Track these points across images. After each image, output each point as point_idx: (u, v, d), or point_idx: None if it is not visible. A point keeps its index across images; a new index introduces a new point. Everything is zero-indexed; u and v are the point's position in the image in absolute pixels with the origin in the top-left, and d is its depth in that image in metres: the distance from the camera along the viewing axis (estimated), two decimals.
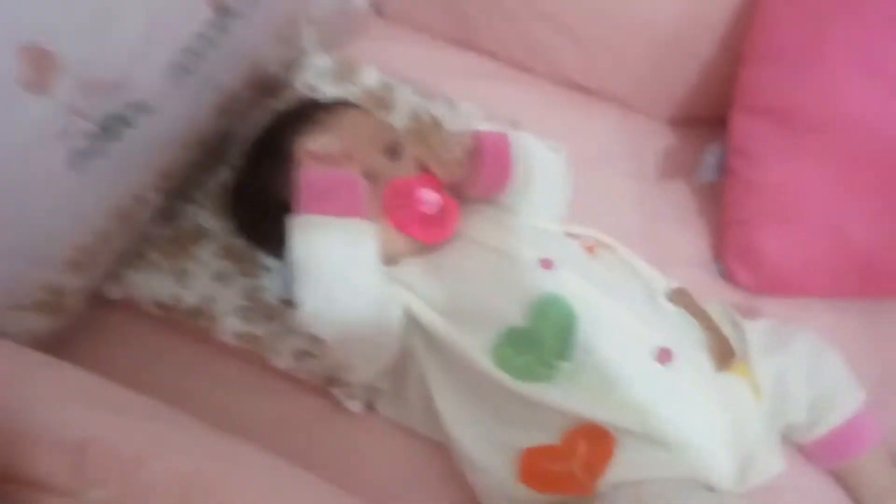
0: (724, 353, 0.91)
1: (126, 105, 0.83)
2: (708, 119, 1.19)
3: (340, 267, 0.86)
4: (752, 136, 1.04)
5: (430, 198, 0.93)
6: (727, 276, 1.09)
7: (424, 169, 0.95)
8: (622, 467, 0.84)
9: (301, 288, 0.88)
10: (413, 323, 0.91)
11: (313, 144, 0.90)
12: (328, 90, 1.18)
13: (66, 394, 0.70)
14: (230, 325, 1.02)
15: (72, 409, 0.66)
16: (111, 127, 0.83)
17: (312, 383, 1.01)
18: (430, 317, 0.89)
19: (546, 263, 0.92)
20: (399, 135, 1.02)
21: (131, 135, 0.85)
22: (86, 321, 1.03)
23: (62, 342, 1.00)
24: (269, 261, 1.06)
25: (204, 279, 1.05)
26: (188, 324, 1.03)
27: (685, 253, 1.12)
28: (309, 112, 1.00)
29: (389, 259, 0.93)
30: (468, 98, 1.19)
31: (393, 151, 0.98)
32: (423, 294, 0.91)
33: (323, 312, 0.87)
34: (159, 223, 1.07)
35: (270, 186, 0.96)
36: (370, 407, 1.00)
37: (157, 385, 0.99)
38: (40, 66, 0.73)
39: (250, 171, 1.03)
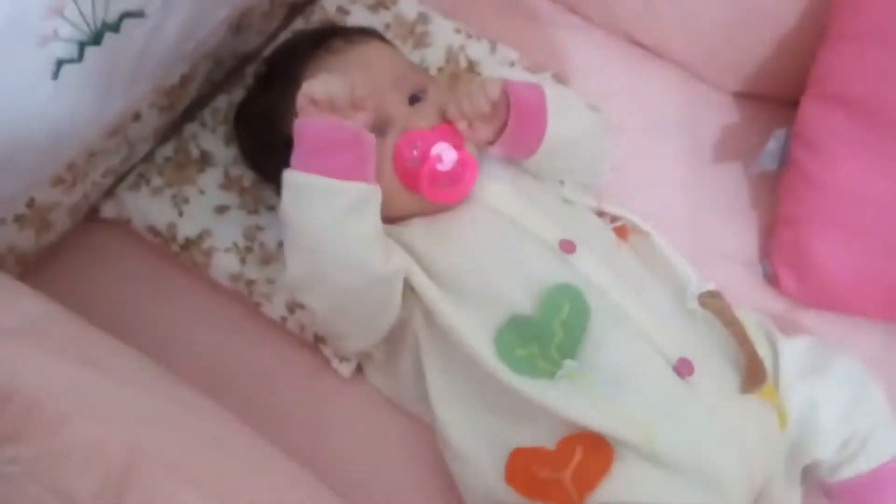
0: (755, 375, 0.81)
1: (114, 11, 0.75)
2: (779, 98, 1.07)
3: (334, 239, 0.77)
4: (821, 125, 0.92)
5: (445, 154, 0.82)
6: (771, 279, 0.98)
7: (446, 119, 0.85)
8: (617, 485, 0.76)
9: (288, 251, 0.80)
10: (412, 293, 0.83)
11: (318, 87, 0.77)
12: (360, 15, 1.08)
13: (21, 329, 0.65)
14: (224, 265, 0.96)
15: (13, 349, 0.61)
16: (97, 34, 0.75)
17: (303, 337, 0.94)
18: (429, 291, 0.81)
19: (567, 245, 0.83)
20: (425, 78, 0.92)
21: (118, 43, 0.78)
22: (75, 237, 0.98)
23: (48, 256, 0.96)
24: (275, 198, 0.99)
25: (204, 210, 0.99)
26: (181, 256, 0.97)
27: (729, 247, 1.01)
28: (327, 39, 0.90)
29: (394, 216, 0.85)
30: (513, 41, 1.09)
31: (415, 96, 0.87)
32: (426, 262, 0.83)
33: (311, 283, 0.80)
34: (163, 144, 1.01)
35: (274, 115, 0.88)
36: (360, 370, 0.93)
37: (139, 315, 0.95)
38: None
39: (255, 95, 0.95)
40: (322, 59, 0.88)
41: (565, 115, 0.86)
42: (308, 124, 0.77)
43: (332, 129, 0.77)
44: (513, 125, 0.83)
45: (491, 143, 0.85)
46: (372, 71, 0.87)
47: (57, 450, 0.51)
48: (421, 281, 0.81)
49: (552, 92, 0.86)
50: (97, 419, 0.53)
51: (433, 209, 0.85)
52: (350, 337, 0.87)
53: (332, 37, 0.90)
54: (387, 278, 0.80)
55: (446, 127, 0.84)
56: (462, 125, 0.83)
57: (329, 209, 0.76)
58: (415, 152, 0.82)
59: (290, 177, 0.77)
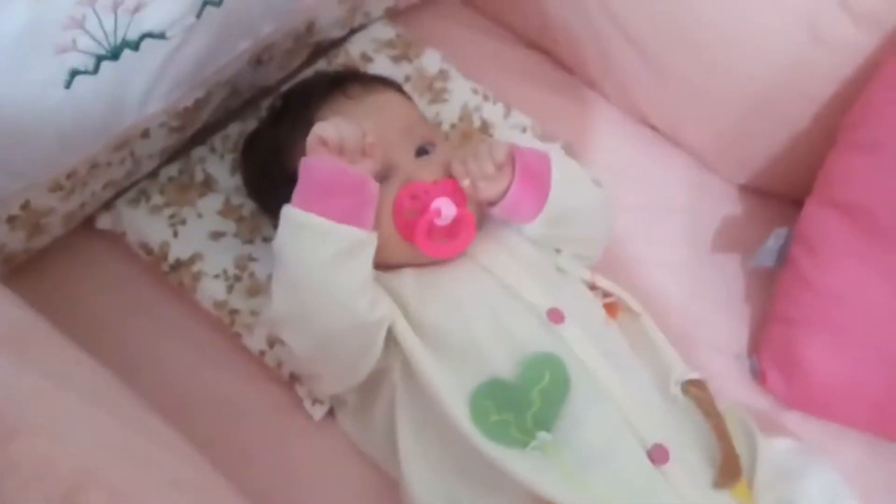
0: (730, 471, 0.79)
1: (136, 29, 0.76)
2: (785, 196, 1.07)
3: (322, 280, 0.76)
4: (823, 229, 0.92)
5: (445, 209, 0.82)
6: (758, 376, 0.97)
7: (450, 174, 0.85)
8: None
9: (276, 286, 0.79)
10: (394, 343, 0.82)
11: (330, 130, 0.78)
12: (383, 64, 1.09)
13: None
14: (211, 290, 0.95)
15: None
16: (115, 49, 0.75)
17: (279, 374, 0.93)
18: (411, 343, 0.79)
19: (555, 315, 0.82)
20: (435, 133, 0.93)
21: (136, 61, 0.78)
22: (67, 243, 0.97)
23: (37, 259, 0.95)
24: (271, 231, 0.99)
25: (199, 234, 0.98)
26: (170, 276, 0.96)
27: (719, 338, 1.00)
28: (345, 83, 0.91)
29: (387, 264, 0.84)
30: (529, 106, 1.10)
31: (423, 149, 0.88)
32: (412, 314, 0.82)
33: (294, 320, 0.79)
34: (169, 163, 1.01)
35: (281, 150, 0.88)
36: (333, 413, 0.92)
37: (118, 330, 0.94)
38: None
39: (266, 128, 0.96)
40: (337, 101, 0.88)
41: (568, 186, 0.86)
42: (315, 164, 0.77)
43: (338, 173, 0.77)
44: (515, 190, 0.83)
45: (492, 204, 0.85)
46: (383, 118, 0.87)
47: (2, 464, 0.50)
48: (404, 332, 0.80)
49: (558, 161, 0.86)
50: (50, 436, 0.52)
51: (426, 261, 0.85)
52: (326, 379, 0.86)
53: (350, 81, 0.91)
54: (371, 325, 0.79)
55: (449, 182, 0.84)
56: (465, 183, 0.83)
57: (322, 251, 0.76)
58: (414, 204, 0.82)
59: (288, 213, 0.77)
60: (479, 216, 0.87)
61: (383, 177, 0.84)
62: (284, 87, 1.04)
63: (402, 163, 0.85)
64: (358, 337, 0.79)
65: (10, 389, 0.56)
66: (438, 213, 0.82)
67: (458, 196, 0.84)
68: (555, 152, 0.89)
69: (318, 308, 0.77)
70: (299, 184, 0.77)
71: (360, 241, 0.77)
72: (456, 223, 0.83)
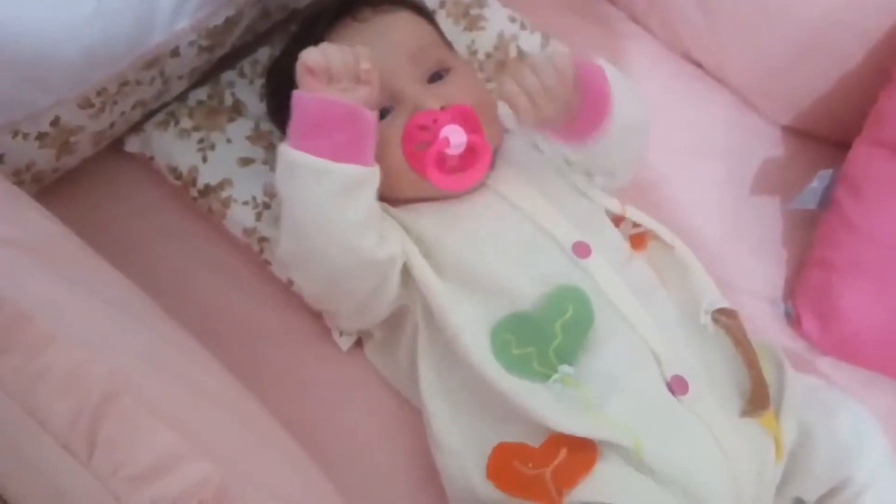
0: (758, 400, 0.78)
1: None
2: (828, 138, 1.04)
3: (324, 219, 0.74)
4: (869, 171, 0.89)
5: (454, 137, 0.76)
6: (793, 321, 0.95)
7: (473, 100, 0.80)
8: (598, 485, 0.72)
9: (282, 226, 0.77)
10: (413, 280, 0.80)
11: (315, 57, 0.72)
12: None
13: (24, 242, 0.63)
14: (240, 217, 0.94)
15: (12, 258, 0.59)
16: None
17: (307, 302, 0.92)
18: (428, 281, 0.78)
19: (581, 248, 0.80)
20: (451, 55, 0.89)
21: None
22: (96, 165, 0.96)
23: (66, 181, 0.94)
24: None
25: (228, 160, 0.97)
26: (198, 202, 0.95)
27: (755, 281, 0.98)
28: (353, 5, 0.87)
29: (402, 199, 0.82)
30: (568, 39, 1.06)
31: (437, 74, 0.84)
32: (432, 250, 0.80)
33: (301, 260, 0.77)
34: (198, 87, 0.99)
35: (292, 76, 0.85)
36: (360, 344, 0.91)
37: (146, 252, 0.94)
38: None
39: (281, 55, 0.93)
40: (345, 25, 0.85)
41: (625, 101, 0.80)
42: (302, 98, 0.73)
43: (327, 105, 0.73)
44: (581, 106, 0.77)
45: (552, 127, 0.79)
46: (391, 43, 0.83)
47: (37, 369, 0.50)
48: (421, 269, 0.78)
49: (613, 73, 0.80)
50: (83, 343, 0.52)
51: (442, 195, 0.82)
52: (342, 317, 0.85)
53: (360, 3, 0.87)
54: (379, 263, 0.77)
55: (460, 108, 0.78)
56: (522, 102, 0.74)
57: (320, 190, 0.73)
58: (423, 134, 0.77)
59: (282, 152, 0.74)
60: (496, 142, 0.84)
61: (389, 106, 0.80)
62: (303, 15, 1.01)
63: (408, 90, 0.81)
64: (366, 275, 0.78)
65: (45, 298, 0.56)
66: (447, 142, 0.76)
67: (471, 122, 0.78)
68: (607, 64, 0.81)
69: (321, 247, 0.75)
70: (292, 119, 0.74)
71: (359, 179, 0.74)
72: (469, 152, 0.78)
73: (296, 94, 0.73)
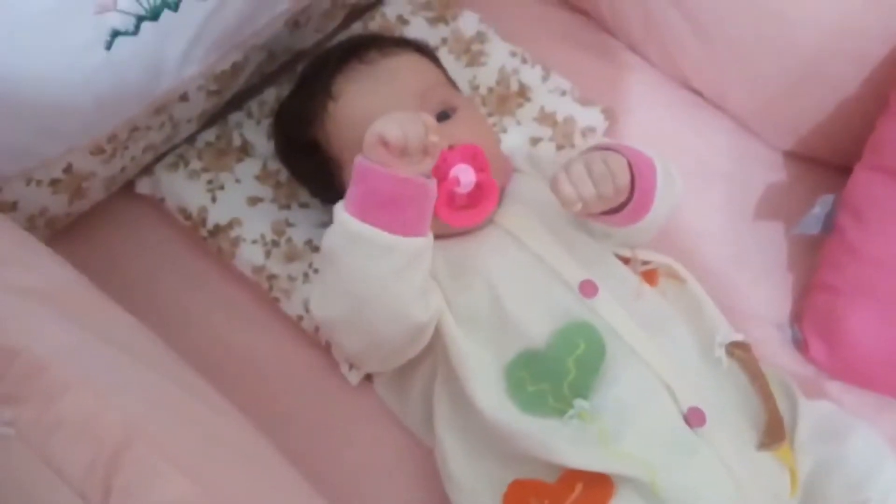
0: (774, 432, 0.78)
1: None
2: (831, 163, 1.04)
3: (383, 291, 0.74)
4: (871, 196, 0.90)
5: (464, 176, 0.79)
6: (800, 345, 0.95)
7: (473, 140, 0.82)
8: None
9: (327, 292, 0.78)
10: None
11: (393, 130, 0.70)
12: (419, 26, 1.08)
13: (39, 290, 0.64)
14: (249, 256, 0.95)
15: (27, 308, 0.60)
16: (155, 9, 0.75)
17: (316, 338, 0.93)
18: (445, 325, 0.79)
19: (588, 288, 0.80)
20: (456, 95, 0.91)
21: (175, 22, 0.78)
22: (108, 208, 0.98)
23: (78, 224, 0.96)
24: (307, 197, 0.99)
25: (237, 199, 0.99)
26: (208, 242, 0.96)
27: (761, 307, 0.98)
28: (363, 48, 0.89)
29: None
30: (568, 70, 1.07)
31: (444, 113, 0.85)
32: (443, 289, 0.81)
33: (347, 326, 0.78)
34: (207, 128, 1.01)
35: (302, 120, 0.88)
36: (369, 378, 0.92)
37: (158, 294, 0.95)
38: None
39: (290, 98, 0.95)
40: (352, 68, 0.87)
41: (666, 195, 0.81)
42: (375, 173, 0.72)
43: (400, 184, 0.72)
44: (630, 209, 0.77)
45: (593, 217, 0.79)
46: (398, 84, 0.85)
47: (53, 418, 0.51)
48: (443, 314, 0.80)
49: (661, 166, 0.80)
50: (98, 392, 0.53)
51: (451, 232, 0.83)
52: (371, 364, 0.86)
53: (367, 46, 0.89)
54: (426, 324, 0.79)
55: (469, 147, 0.81)
56: (577, 208, 0.73)
57: (387, 265, 0.74)
58: (433, 174, 0.78)
59: (347, 223, 0.74)
60: (503, 179, 0.85)
61: None
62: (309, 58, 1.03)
63: None
64: (411, 335, 0.79)
65: (59, 345, 0.57)
66: (457, 181, 0.79)
67: (479, 161, 0.80)
68: (655, 156, 0.81)
69: (374, 317, 0.76)
70: (355, 186, 0.74)
71: (422, 249, 0.75)
72: (478, 189, 0.80)
73: (366, 165, 0.73)
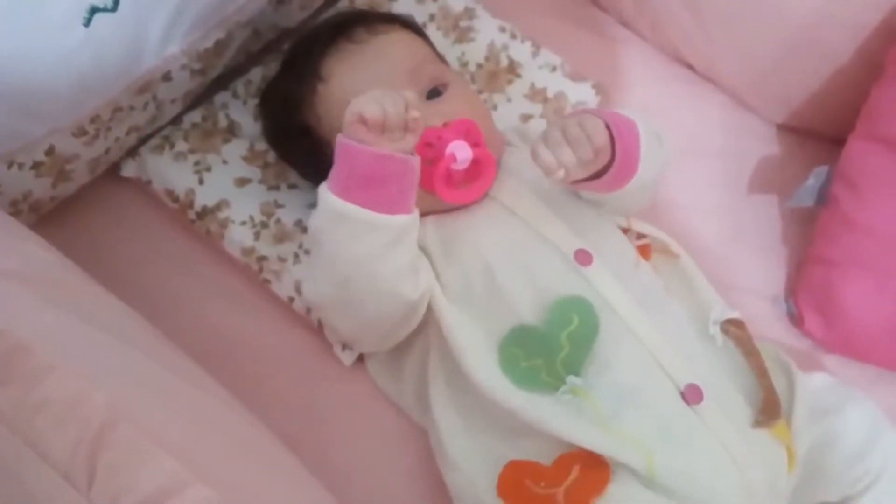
0: (770, 409, 0.77)
1: None
2: (824, 134, 1.03)
3: (371, 270, 0.74)
4: (866, 166, 0.89)
5: (460, 152, 0.78)
6: (795, 319, 0.95)
7: (466, 115, 0.81)
8: None
9: (317, 273, 0.78)
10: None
11: (371, 107, 0.70)
12: (406, 2, 1.06)
13: (21, 273, 0.63)
14: (238, 237, 0.94)
15: (9, 291, 0.59)
16: None
17: (308, 320, 0.92)
18: (438, 300, 0.78)
19: (583, 256, 0.80)
20: (446, 71, 0.89)
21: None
22: (93, 192, 0.97)
23: (63, 208, 0.95)
24: (296, 177, 0.97)
25: (225, 181, 0.97)
26: (196, 224, 0.95)
27: (755, 281, 0.98)
28: (350, 27, 0.87)
29: None
30: (558, 46, 1.06)
31: (435, 90, 0.84)
32: (436, 264, 0.80)
33: (338, 306, 0.78)
34: (192, 109, 0.99)
35: (290, 102, 0.87)
36: (362, 359, 0.91)
37: (145, 277, 0.94)
38: None
39: (276, 79, 0.94)
40: (341, 48, 0.85)
41: (650, 157, 0.78)
42: (356, 151, 0.72)
43: (380, 160, 0.71)
44: (613, 172, 0.75)
45: (576, 183, 0.77)
46: (388, 63, 0.84)
47: (37, 400, 0.50)
48: (434, 290, 0.79)
49: (644, 130, 0.78)
50: (82, 373, 0.52)
51: (447, 207, 0.82)
52: (365, 344, 0.86)
53: (355, 25, 0.87)
54: (417, 302, 0.78)
55: (462, 122, 0.80)
56: (559, 175, 0.72)
57: (371, 242, 0.73)
58: (429, 152, 0.78)
59: (330, 202, 0.73)
60: (498, 153, 0.84)
61: None
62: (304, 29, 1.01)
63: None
64: (403, 313, 0.78)
65: (42, 328, 0.56)
66: (454, 157, 0.78)
67: (474, 135, 0.80)
68: (638, 118, 0.79)
69: (364, 296, 0.76)
70: (337, 167, 0.73)
71: (408, 227, 0.74)
72: (475, 164, 0.79)
73: (346, 143, 0.72)
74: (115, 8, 0.74)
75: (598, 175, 0.76)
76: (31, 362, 0.52)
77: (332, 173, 0.74)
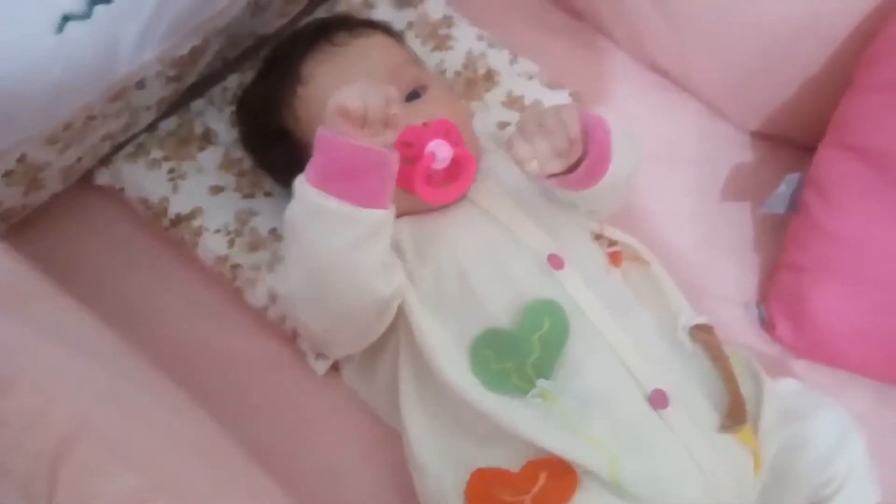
0: (736, 414, 0.78)
1: None
2: (797, 142, 1.05)
3: (345, 264, 0.73)
4: (836, 174, 0.90)
5: (440, 151, 0.78)
6: (766, 325, 0.96)
7: (444, 116, 0.81)
8: None
9: (290, 267, 0.77)
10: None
11: (353, 99, 0.70)
12: (385, 10, 1.07)
13: None
14: (212, 245, 0.94)
15: None
16: None
17: (281, 329, 0.92)
18: (409, 301, 0.78)
19: (555, 260, 0.80)
20: (425, 73, 0.90)
21: (130, 5, 0.76)
22: (65, 200, 0.96)
23: (36, 216, 0.94)
24: (271, 185, 0.97)
25: (199, 188, 0.97)
26: (170, 232, 0.95)
27: (728, 288, 0.98)
28: (331, 31, 0.88)
29: None
30: (536, 53, 1.07)
31: (415, 92, 0.85)
32: (409, 263, 0.81)
33: (310, 301, 0.77)
34: (168, 117, 0.99)
35: (270, 105, 0.87)
36: (336, 368, 0.91)
37: (118, 285, 0.94)
38: None
39: (255, 83, 0.94)
40: (322, 50, 0.86)
41: (623, 155, 0.79)
42: (336, 142, 0.72)
43: (359, 152, 0.71)
44: (586, 166, 0.76)
45: (550, 178, 0.78)
46: (369, 64, 0.84)
47: None
48: (404, 289, 0.79)
49: (616, 129, 0.78)
50: (43, 388, 0.51)
51: (427, 208, 0.83)
52: (338, 346, 0.85)
53: (336, 29, 0.88)
54: (390, 298, 0.78)
55: (442, 122, 0.80)
56: (533, 166, 0.73)
57: (346, 236, 0.73)
58: (409, 152, 0.78)
59: (305, 192, 0.73)
60: (478, 154, 0.85)
61: None
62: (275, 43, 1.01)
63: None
64: (376, 309, 0.78)
65: (3, 342, 0.55)
66: (433, 157, 0.78)
67: (453, 135, 0.80)
68: (610, 118, 0.80)
69: (337, 290, 0.75)
70: (316, 158, 0.73)
71: (383, 222, 0.74)
72: (454, 164, 0.80)
73: (326, 135, 0.72)
74: (88, 15, 0.73)
75: (571, 170, 0.76)
76: None
77: (310, 164, 0.74)
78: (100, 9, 0.74)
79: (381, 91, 0.72)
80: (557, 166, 0.75)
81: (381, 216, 0.74)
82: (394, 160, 0.74)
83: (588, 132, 0.75)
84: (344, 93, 0.72)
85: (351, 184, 0.72)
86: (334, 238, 0.73)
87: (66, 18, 0.73)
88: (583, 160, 0.76)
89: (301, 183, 0.74)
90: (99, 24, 0.75)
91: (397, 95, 0.74)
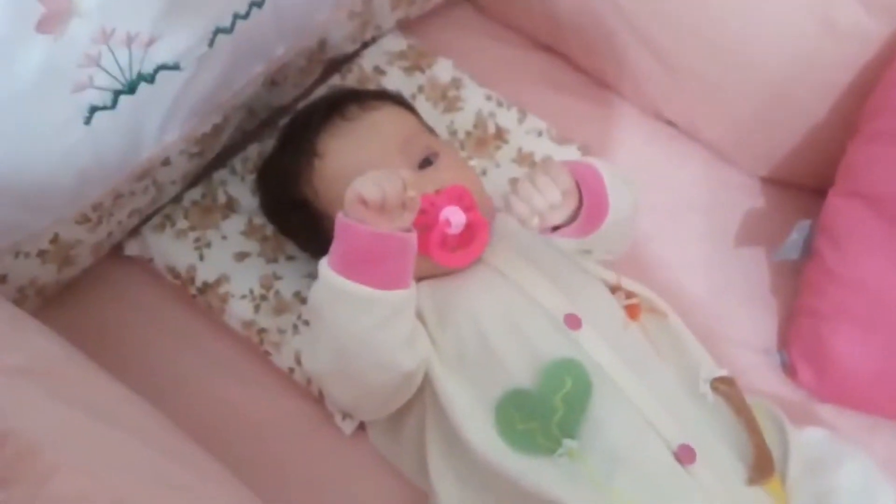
0: (763, 466, 0.79)
1: (151, 62, 0.77)
2: (807, 187, 1.06)
3: (369, 343, 0.76)
4: (846, 220, 0.91)
5: (454, 217, 0.81)
6: (788, 370, 0.96)
7: (456, 182, 0.84)
8: None
9: (316, 346, 0.80)
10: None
11: (370, 189, 0.73)
12: (396, 76, 1.10)
13: (26, 368, 0.65)
14: (238, 311, 0.96)
15: (15, 388, 0.61)
16: (131, 84, 0.77)
17: (308, 390, 0.94)
18: (433, 366, 0.80)
19: (572, 320, 0.82)
20: (436, 141, 0.93)
21: (152, 93, 0.79)
22: (97, 271, 0.99)
23: (69, 289, 0.97)
24: (294, 249, 1.00)
25: (224, 256, 1.00)
26: (197, 299, 0.98)
27: (746, 333, 1.00)
28: (342, 104, 0.91)
29: None
30: (544, 110, 1.09)
31: (427, 160, 0.87)
32: (430, 328, 0.83)
33: (337, 378, 0.80)
34: (192, 188, 1.02)
35: (287, 179, 0.90)
36: (363, 428, 0.93)
37: (151, 354, 0.96)
38: (57, 7, 0.68)
39: (273, 157, 0.97)
40: (334, 125, 0.89)
41: (618, 196, 0.82)
42: (356, 231, 0.74)
43: (380, 239, 0.74)
44: (585, 213, 0.79)
45: (555, 228, 0.81)
46: (381, 137, 0.87)
47: (45, 501, 0.51)
48: (430, 356, 0.81)
49: (605, 171, 0.82)
50: (88, 472, 0.53)
51: (442, 271, 0.85)
52: (365, 412, 0.87)
53: (347, 102, 0.91)
54: (415, 372, 0.80)
55: (455, 188, 0.83)
56: (534, 222, 0.77)
57: (370, 318, 0.75)
58: (424, 219, 0.81)
59: (327, 276, 0.76)
60: (490, 217, 0.87)
61: None
62: (298, 107, 1.05)
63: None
64: (400, 382, 0.80)
65: (47, 425, 0.58)
66: (448, 223, 0.81)
67: (467, 200, 0.83)
68: (598, 162, 0.84)
69: (363, 367, 0.78)
70: (337, 244, 0.76)
71: (405, 300, 0.77)
72: (468, 229, 0.82)
73: (346, 223, 0.74)
74: (114, 106, 0.77)
75: (573, 220, 0.80)
76: (38, 462, 0.53)
77: (332, 250, 0.77)
78: (124, 99, 0.78)
79: (397, 177, 0.75)
80: (557, 218, 0.78)
81: (403, 296, 0.76)
82: (413, 241, 0.76)
83: (579, 180, 0.79)
84: (361, 181, 0.74)
85: (373, 268, 0.74)
86: (358, 320, 0.75)
87: (94, 109, 0.76)
88: (581, 207, 0.79)
89: (324, 267, 0.76)
90: (123, 112, 0.79)
91: (411, 178, 0.76)
